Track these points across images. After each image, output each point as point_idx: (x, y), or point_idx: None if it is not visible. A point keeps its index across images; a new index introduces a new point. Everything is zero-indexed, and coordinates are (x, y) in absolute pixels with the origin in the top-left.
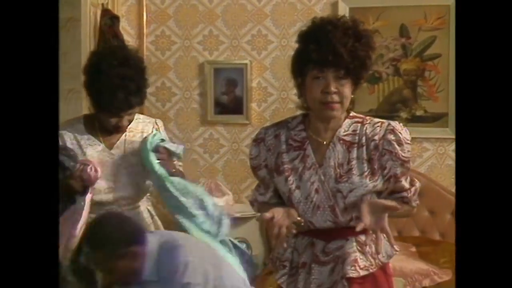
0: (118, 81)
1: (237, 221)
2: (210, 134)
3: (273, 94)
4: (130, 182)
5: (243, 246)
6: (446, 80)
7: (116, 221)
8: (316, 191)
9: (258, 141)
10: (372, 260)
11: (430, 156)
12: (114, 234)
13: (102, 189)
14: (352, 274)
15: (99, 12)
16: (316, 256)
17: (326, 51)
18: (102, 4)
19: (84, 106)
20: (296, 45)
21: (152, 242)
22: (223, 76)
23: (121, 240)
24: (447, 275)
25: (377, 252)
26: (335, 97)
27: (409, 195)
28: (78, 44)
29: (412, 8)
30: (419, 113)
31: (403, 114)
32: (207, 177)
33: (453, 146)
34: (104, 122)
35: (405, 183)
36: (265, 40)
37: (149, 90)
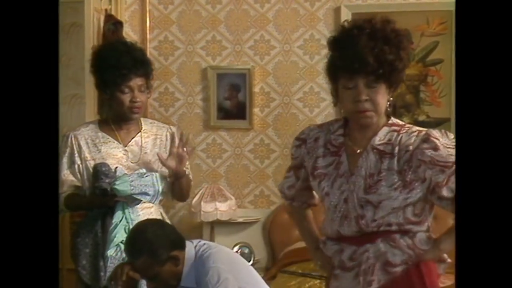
0: (123, 47)
1: (239, 226)
2: (213, 139)
3: (275, 99)
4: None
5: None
6: (449, 86)
7: (155, 228)
8: (345, 200)
9: (300, 141)
10: (410, 251)
11: None
12: (155, 240)
13: None
14: (385, 277)
15: (102, 18)
16: (342, 262)
17: (352, 58)
18: (106, 10)
19: (87, 112)
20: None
21: (190, 248)
22: (226, 81)
23: (162, 246)
24: (449, 280)
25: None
26: (368, 105)
27: (450, 204)
28: (82, 50)
29: (415, 14)
30: (421, 118)
31: (406, 119)
32: (210, 182)
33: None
34: (117, 108)
35: (446, 192)
36: (268, 46)
37: (152, 95)
